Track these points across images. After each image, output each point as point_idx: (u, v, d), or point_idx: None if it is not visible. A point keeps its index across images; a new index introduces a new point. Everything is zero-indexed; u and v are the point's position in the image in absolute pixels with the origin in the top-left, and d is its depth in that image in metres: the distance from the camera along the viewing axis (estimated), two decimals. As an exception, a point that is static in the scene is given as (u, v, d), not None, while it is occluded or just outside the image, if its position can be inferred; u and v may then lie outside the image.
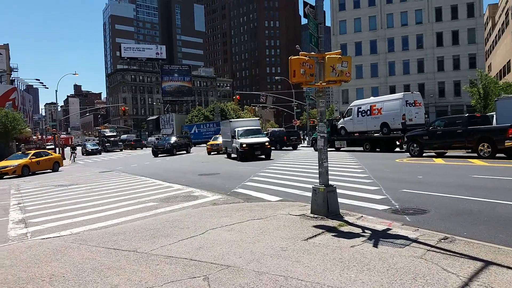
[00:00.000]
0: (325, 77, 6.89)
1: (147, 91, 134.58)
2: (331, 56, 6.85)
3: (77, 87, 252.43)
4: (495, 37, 76.45)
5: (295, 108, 57.18)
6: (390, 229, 6.74)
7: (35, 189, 16.24)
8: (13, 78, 69.20)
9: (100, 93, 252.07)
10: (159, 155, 37.49)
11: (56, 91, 45.42)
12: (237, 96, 56.50)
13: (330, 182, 12.65)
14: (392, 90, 58.31)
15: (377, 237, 6.17)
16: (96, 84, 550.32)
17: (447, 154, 20.80)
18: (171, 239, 6.45)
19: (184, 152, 41.12)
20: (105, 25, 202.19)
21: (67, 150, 53.07)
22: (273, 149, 38.49)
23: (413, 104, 25.63)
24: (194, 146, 64.76)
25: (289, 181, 13.89)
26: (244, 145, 24.72)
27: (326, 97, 7.45)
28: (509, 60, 62.92)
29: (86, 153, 53.42)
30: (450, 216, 7.71)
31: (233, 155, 27.88)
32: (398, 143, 26.57)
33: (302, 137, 52.00)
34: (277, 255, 5.30)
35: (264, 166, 20.17)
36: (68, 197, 13.09)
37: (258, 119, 30.58)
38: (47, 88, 71.36)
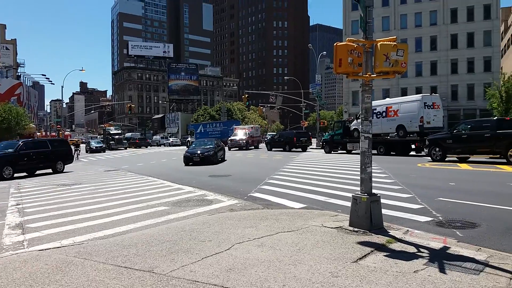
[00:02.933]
0: (377, 67, 5.86)
1: (153, 90, 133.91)
2: (385, 43, 5.82)
3: (83, 85, 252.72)
4: (508, 41, 75.04)
5: (304, 109, 56.07)
6: (448, 247, 5.75)
7: (36, 188, 15.30)
8: (19, 74, 68.63)
9: (105, 91, 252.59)
10: None
11: (62, 87, 44.65)
12: (246, 95, 55.32)
13: (352, 188, 11.78)
14: (404, 92, 57.13)
15: (439, 258, 5.16)
16: (102, 82, 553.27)
17: (470, 159, 19.76)
18: (193, 255, 5.43)
19: (50, 170, 22.75)
20: (113, 23, 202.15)
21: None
22: (281, 151, 37.66)
23: (432, 107, 24.61)
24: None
25: (308, 186, 12.92)
26: None
27: (372, 91, 6.42)
28: (523, 65, 61.59)
29: (90, 150, 52.48)
30: (507, 231, 6.78)
31: None
32: (414, 146, 25.57)
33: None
34: (329, 284, 4.26)
35: (277, 169, 19.19)
36: (70, 198, 12.13)
37: None
38: (53, 84, 70.97)
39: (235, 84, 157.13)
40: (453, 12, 58.99)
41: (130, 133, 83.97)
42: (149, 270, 4.88)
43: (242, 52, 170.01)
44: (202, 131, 65.87)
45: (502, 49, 71.96)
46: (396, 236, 6.27)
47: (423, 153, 23.76)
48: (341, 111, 73.45)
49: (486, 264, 4.90)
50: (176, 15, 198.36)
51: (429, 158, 20.51)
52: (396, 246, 5.74)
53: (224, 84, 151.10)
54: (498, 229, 6.88)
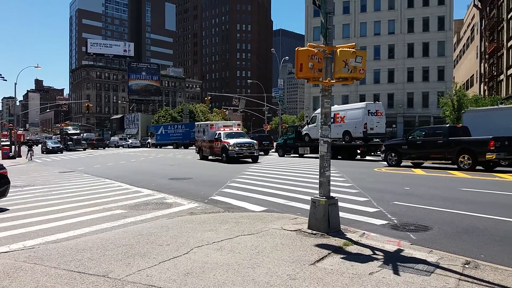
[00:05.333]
0: (336, 73, 6.00)
1: (112, 89, 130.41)
2: (344, 49, 5.97)
3: (38, 82, 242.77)
4: (460, 51, 79.03)
5: (267, 112, 56.46)
6: (402, 250, 5.96)
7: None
8: (-33, 68, 64.90)
9: (62, 89, 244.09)
10: None
11: (16, 83, 42.56)
12: (209, 98, 54.81)
13: (311, 191, 11.96)
14: (362, 99, 58.71)
15: (393, 261, 5.34)
16: (59, 80, 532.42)
17: (424, 165, 20.55)
18: (150, 260, 5.32)
19: None
20: (71, 19, 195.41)
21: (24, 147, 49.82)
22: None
23: (375, 114, 25.98)
24: (161, 147, 62.81)
25: (269, 189, 12.98)
26: None
27: (331, 96, 6.55)
28: (472, 75, 65.03)
29: (46, 151, 50.28)
30: (457, 234, 7.06)
31: None
32: (359, 151, 26.70)
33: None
34: (287, 286, 4.30)
35: (239, 172, 19.18)
36: (21, 200, 11.57)
37: None
38: (5, 80, 66.82)
39: (198, 86, 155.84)
40: (410, 22, 61.45)
41: (86, 134, 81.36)
42: (103, 274, 4.73)
43: (205, 53, 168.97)
44: (163, 132, 64.82)
45: (455, 60, 75.75)
46: (352, 238, 6.42)
47: (380, 158, 24.54)
48: (302, 116, 74.63)
49: (437, 266, 5.11)
50: (137, 13, 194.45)
51: (385, 163, 21.16)
52: (353, 249, 5.87)
53: (187, 85, 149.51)
54: (448, 232, 7.18)
